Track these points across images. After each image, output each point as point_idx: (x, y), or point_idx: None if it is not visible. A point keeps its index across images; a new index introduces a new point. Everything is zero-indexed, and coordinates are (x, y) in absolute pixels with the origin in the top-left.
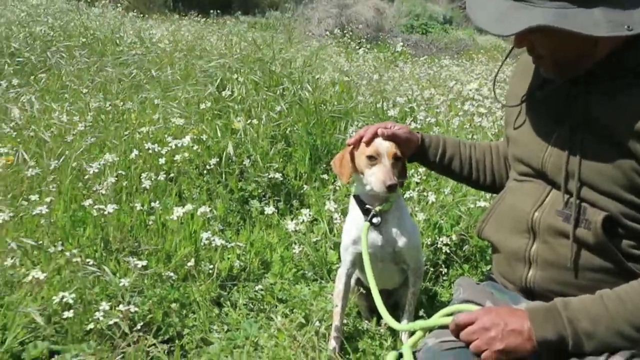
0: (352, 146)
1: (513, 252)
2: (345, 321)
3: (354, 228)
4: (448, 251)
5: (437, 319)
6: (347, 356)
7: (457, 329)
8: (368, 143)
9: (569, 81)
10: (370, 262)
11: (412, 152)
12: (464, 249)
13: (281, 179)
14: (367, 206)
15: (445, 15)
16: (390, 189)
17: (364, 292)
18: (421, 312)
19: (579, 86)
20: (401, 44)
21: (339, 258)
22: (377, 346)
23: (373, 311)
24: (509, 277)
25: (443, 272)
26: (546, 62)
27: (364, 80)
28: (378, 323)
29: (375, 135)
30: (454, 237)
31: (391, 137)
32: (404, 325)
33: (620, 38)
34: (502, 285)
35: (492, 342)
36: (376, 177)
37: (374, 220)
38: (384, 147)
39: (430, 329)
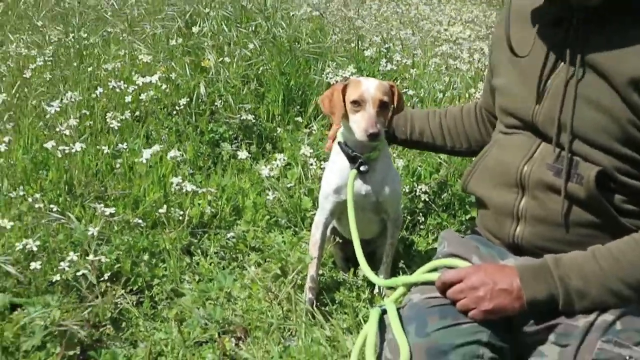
0: (343, 85)
1: (500, 207)
2: (320, 271)
3: (337, 176)
4: (427, 199)
5: (422, 274)
6: (323, 308)
7: (444, 287)
8: None
9: (566, 23)
10: None
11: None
12: (442, 197)
13: (253, 121)
14: (355, 153)
15: None
16: (372, 137)
17: (340, 241)
18: (400, 264)
19: (577, 30)
20: None
21: (314, 205)
22: (354, 298)
23: (349, 261)
24: (496, 232)
25: (420, 221)
26: None
27: (337, 17)
28: (355, 274)
29: None
30: (433, 184)
31: None
32: (385, 281)
33: None
34: (486, 240)
35: (480, 301)
36: (358, 124)
37: (362, 168)
38: (370, 92)
39: (413, 285)
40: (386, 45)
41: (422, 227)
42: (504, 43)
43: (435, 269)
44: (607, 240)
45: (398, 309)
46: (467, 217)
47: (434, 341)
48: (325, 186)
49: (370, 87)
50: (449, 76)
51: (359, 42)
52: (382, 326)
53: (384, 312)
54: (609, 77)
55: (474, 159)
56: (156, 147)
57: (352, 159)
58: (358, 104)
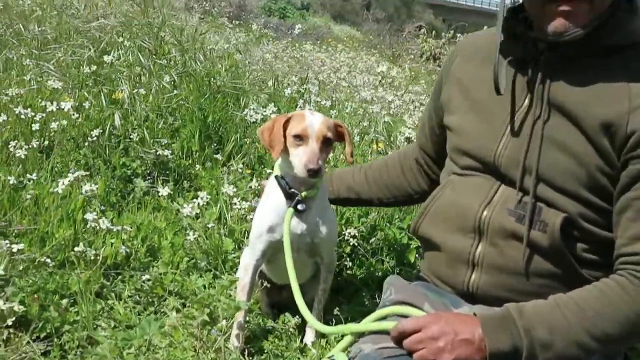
0: (286, 118)
1: (455, 253)
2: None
3: (272, 213)
4: (355, 243)
5: (373, 322)
6: (251, 358)
7: (401, 336)
8: None
9: (532, 63)
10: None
11: None
12: (371, 241)
13: (170, 156)
14: (292, 190)
15: (303, 1)
16: (313, 174)
17: (269, 286)
18: (336, 311)
19: (545, 69)
20: (262, 24)
21: (237, 247)
22: (284, 347)
23: (274, 307)
24: (448, 279)
25: (348, 266)
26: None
27: (249, 56)
28: (284, 321)
29: None
30: (362, 229)
31: None
32: (331, 328)
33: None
34: (436, 287)
35: (439, 353)
36: (299, 159)
37: (299, 206)
38: (314, 127)
39: (361, 334)
40: (304, 86)
41: (349, 272)
42: (462, 80)
43: (384, 317)
44: (565, 292)
45: None
46: (393, 263)
47: None
48: (259, 224)
49: (314, 122)
50: (367, 120)
51: (276, 82)
52: None
53: None
54: (579, 120)
55: (423, 203)
56: (70, 178)
57: (289, 196)
58: (300, 138)
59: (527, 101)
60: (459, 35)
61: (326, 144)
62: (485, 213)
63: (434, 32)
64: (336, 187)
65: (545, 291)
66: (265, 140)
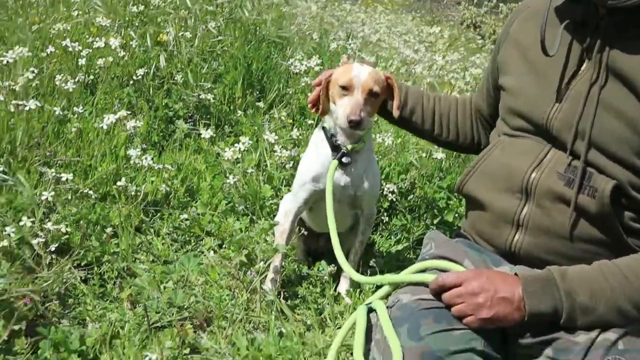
0: (330, 75)
1: (500, 212)
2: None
3: (317, 163)
4: (394, 199)
5: (411, 274)
6: (286, 302)
7: (440, 289)
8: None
9: (591, 27)
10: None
11: None
12: (409, 198)
13: (212, 101)
14: (339, 142)
15: None
16: (354, 125)
17: (306, 233)
18: (371, 262)
19: (602, 35)
20: None
21: (275, 194)
22: (318, 294)
23: (309, 255)
24: (491, 238)
25: (384, 221)
26: None
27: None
28: (319, 269)
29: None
30: (401, 185)
31: None
32: (369, 278)
33: None
34: (477, 245)
35: (479, 308)
36: (343, 110)
37: (344, 159)
38: (360, 78)
39: (397, 286)
40: (350, 42)
41: (384, 227)
42: (520, 41)
43: (423, 270)
44: (608, 258)
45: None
46: (434, 221)
47: (428, 346)
48: (303, 173)
49: (361, 73)
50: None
51: (323, 36)
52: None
53: (370, 310)
54: (636, 87)
55: (474, 159)
56: (121, 114)
57: (335, 148)
58: (346, 88)
59: (584, 65)
60: (501, 5)
61: (372, 96)
62: (533, 175)
63: (475, 0)
64: (402, 103)
65: (589, 256)
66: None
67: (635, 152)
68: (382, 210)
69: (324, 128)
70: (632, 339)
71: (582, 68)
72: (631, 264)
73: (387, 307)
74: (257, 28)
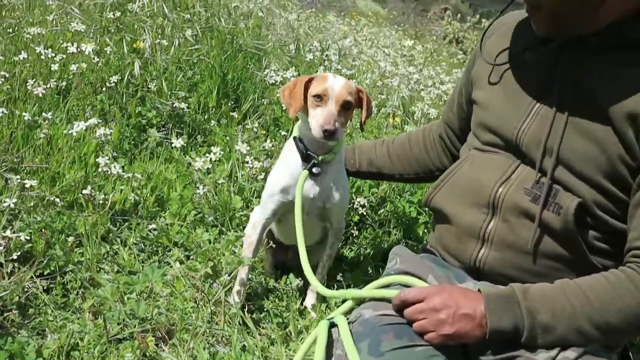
0: (309, 78)
1: (466, 226)
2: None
3: (287, 174)
4: (364, 213)
5: (375, 290)
6: (250, 315)
7: (402, 305)
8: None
9: (561, 46)
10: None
11: None
12: (379, 212)
13: (186, 110)
14: (310, 152)
15: None
16: (328, 135)
17: (274, 246)
18: (339, 277)
19: (572, 53)
20: None
21: (246, 205)
22: (284, 307)
23: (277, 267)
24: (456, 252)
25: (354, 235)
26: (543, 14)
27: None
28: (286, 282)
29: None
30: (372, 199)
31: None
32: (333, 292)
33: (630, 3)
34: (442, 260)
35: (440, 324)
36: (316, 120)
37: (314, 169)
38: (334, 89)
39: (362, 300)
40: (325, 53)
41: (354, 241)
42: (493, 56)
43: (387, 286)
44: (572, 276)
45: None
46: (401, 234)
47: None
48: (273, 183)
49: (335, 84)
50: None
51: (299, 47)
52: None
53: (332, 325)
54: (605, 108)
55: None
56: (91, 121)
57: (306, 158)
58: (320, 98)
59: (555, 83)
60: (484, 20)
61: (345, 107)
62: (500, 190)
63: (459, 15)
64: (358, 160)
65: (552, 273)
66: (284, 98)
67: (601, 172)
68: (352, 224)
69: (294, 138)
70: (591, 358)
71: (553, 86)
72: (593, 284)
73: (349, 322)
74: (234, 38)
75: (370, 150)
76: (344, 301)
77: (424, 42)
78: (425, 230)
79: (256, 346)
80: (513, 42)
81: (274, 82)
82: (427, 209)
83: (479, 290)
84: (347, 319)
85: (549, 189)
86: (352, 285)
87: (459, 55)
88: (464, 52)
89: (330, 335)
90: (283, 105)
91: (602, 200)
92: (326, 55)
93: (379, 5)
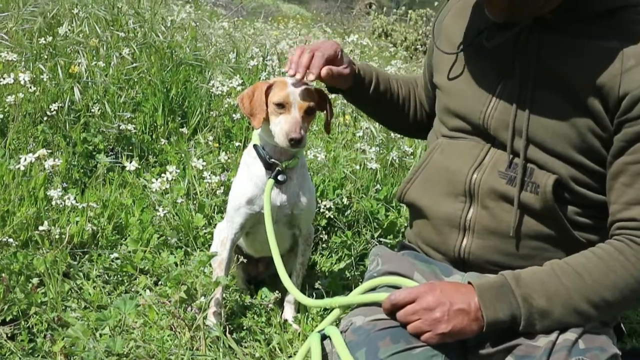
0: (267, 85)
1: (445, 218)
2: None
3: (251, 185)
4: (331, 216)
5: (362, 295)
6: (231, 335)
7: (394, 308)
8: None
9: (521, 24)
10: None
11: (347, 85)
12: (347, 214)
13: (133, 131)
14: (273, 160)
15: None
16: (294, 143)
17: (245, 261)
18: (317, 285)
19: (530, 32)
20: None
21: (208, 222)
22: (264, 323)
23: (250, 282)
24: (438, 246)
25: (324, 239)
26: (498, 1)
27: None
28: (262, 297)
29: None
30: (338, 201)
31: (326, 77)
32: (318, 302)
33: None
34: (424, 255)
35: (436, 323)
36: (280, 128)
37: (279, 177)
38: (296, 95)
39: (349, 307)
40: (267, 58)
41: (324, 245)
42: (451, 38)
43: (373, 289)
44: (559, 254)
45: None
46: (373, 234)
47: None
48: (237, 196)
49: (296, 90)
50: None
51: (239, 55)
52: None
53: (323, 337)
54: (569, 82)
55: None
56: (40, 152)
57: (269, 166)
58: (282, 106)
59: (516, 63)
60: (410, 12)
61: (309, 113)
62: (475, 176)
63: (384, 9)
64: (374, 86)
65: (538, 254)
66: (245, 108)
67: (573, 146)
68: (320, 228)
69: (255, 146)
70: (592, 337)
71: (515, 65)
72: (583, 262)
73: (341, 332)
74: (173, 51)
75: (386, 83)
76: (326, 310)
77: (355, 38)
78: (399, 227)
79: None
80: (470, 24)
81: (220, 92)
82: (398, 204)
83: (469, 282)
84: (337, 327)
85: (524, 169)
86: (331, 292)
87: (390, 48)
88: (394, 45)
89: (322, 348)
90: (242, 115)
91: (579, 175)
92: (269, 60)
93: (303, 8)
